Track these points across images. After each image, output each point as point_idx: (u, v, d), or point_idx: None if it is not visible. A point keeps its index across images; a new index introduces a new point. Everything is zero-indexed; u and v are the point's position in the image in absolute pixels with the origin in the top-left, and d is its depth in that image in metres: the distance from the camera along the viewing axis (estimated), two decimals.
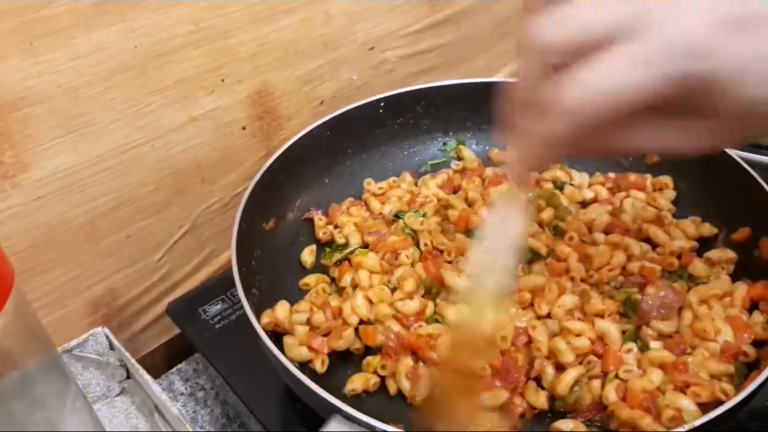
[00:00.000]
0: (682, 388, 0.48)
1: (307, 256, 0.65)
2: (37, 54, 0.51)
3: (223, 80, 0.64)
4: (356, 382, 0.53)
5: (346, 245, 0.64)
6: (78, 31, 0.53)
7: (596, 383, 0.51)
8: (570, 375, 0.50)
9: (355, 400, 0.53)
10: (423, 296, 0.57)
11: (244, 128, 0.69)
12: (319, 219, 0.67)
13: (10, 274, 0.42)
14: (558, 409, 0.51)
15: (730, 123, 0.34)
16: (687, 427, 0.40)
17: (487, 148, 0.75)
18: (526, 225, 0.43)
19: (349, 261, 0.62)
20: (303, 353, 0.54)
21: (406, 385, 0.52)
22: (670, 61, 0.30)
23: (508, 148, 0.38)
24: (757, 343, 0.52)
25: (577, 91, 0.32)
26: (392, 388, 0.53)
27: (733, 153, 0.62)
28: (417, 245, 0.62)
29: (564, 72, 0.32)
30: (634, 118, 0.34)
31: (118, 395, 0.65)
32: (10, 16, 0.49)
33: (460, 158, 0.74)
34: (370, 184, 0.70)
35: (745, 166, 0.60)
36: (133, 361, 0.62)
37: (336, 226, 0.66)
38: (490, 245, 0.42)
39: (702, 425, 0.40)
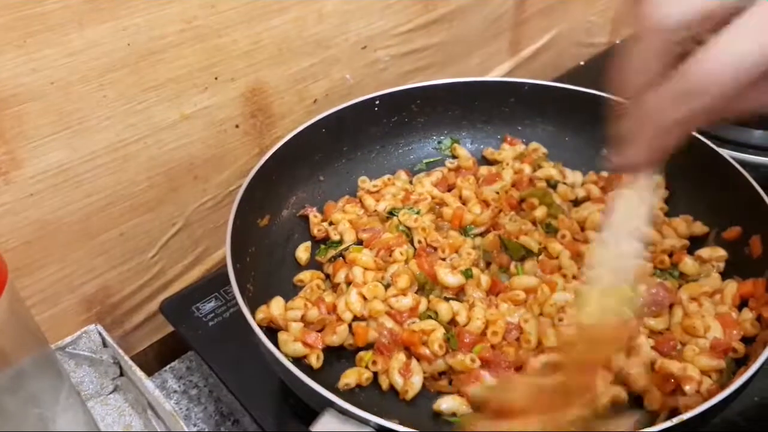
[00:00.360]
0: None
1: (302, 252, 0.65)
2: (30, 51, 0.51)
3: (216, 78, 0.64)
4: (349, 377, 0.53)
5: (340, 242, 0.64)
6: (71, 27, 0.53)
7: None
8: (547, 357, 0.51)
9: (349, 395, 0.53)
10: (416, 292, 0.58)
11: (237, 126, 0.69)
12: (314, 216, 0.67)
13: (3, 270, 0.42)
14: None
15: None
16: (675, 421, 0.40)
17: (482, 146, 0.76)
18: (652, 209, 0.42)
19: (344, 258, 0.62)
20: (297, 348, 0.54)
21: (398, 381, 0.53)
22: None
23: (630, 134, 0.38)
24: (746, 340, 0.53)
25: (707, 68, 0.33)
26: (384, 384, 0.53)
27: (725, 153, 0.62)
28: (411, 242, 0.62)
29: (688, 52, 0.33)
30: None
31: (111, 393, 0.65)
32: (4, 12, 0.49)
33: (454, 156, 0.75)
34: (365, 182, 0.71)
35: (737, 165, 0.61)
36: (126, 358, 0.61)
37: (331, 223, 0.67)
38: (617, 233, 0.41)
39: (689, 419, 0.41)
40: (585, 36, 1.06)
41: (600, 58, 1.02)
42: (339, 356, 0.57)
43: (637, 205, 0.41)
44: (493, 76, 0.92)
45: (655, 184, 0.42)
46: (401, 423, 0.43)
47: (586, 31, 1.05)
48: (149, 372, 0.64)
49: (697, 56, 0.33)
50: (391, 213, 0.65)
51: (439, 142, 0.76)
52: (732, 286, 0.56)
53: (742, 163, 0.61)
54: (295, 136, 0.65)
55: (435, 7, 0.80)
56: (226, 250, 0.54)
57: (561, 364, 0.45)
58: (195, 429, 0.63)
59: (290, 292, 0.61)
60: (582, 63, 1.00)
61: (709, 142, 0.63)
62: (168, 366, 0.69)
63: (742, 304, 0.56)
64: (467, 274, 0.58)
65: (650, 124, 0.36)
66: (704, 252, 0.60)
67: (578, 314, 0.44)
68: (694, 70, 0.34)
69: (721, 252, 0.59)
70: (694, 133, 0.63)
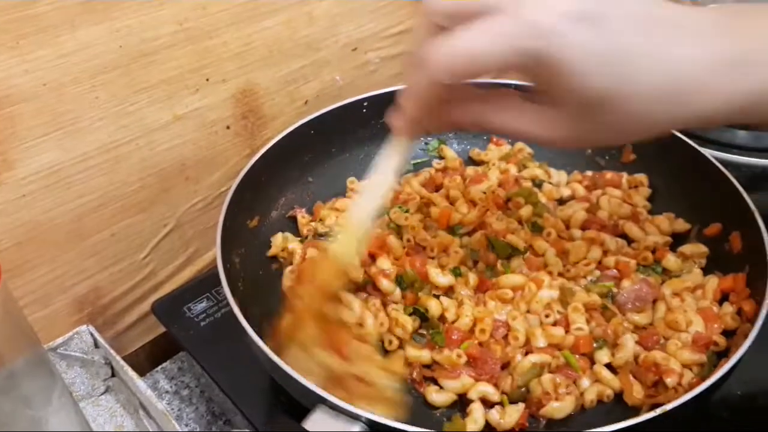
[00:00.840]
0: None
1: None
2: (23, 52, 0.52)
3: (207, 80, 0.65)
4: None
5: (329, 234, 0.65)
6: (64, 29, 0.53)
7: (547, 378, 0.52)
8: (534, 357, 0.52)
9: None
10: (404, 290, 0.58)
11: (228, 127, 0.69)
12: (302, 217, 0.68)
13: None
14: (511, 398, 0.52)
15: (578, 113, 0.36)
16: (659, 411, 0.41)
17: (468, 147, 0.77)
18: (396, 176, 0.47)
19: None
20: None
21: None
22: (521, 35, 0.34)
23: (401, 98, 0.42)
24: (727, 333, 0.54)
25: (443, 51, 0.36)
26: None
27: (707, 152, 0.64)
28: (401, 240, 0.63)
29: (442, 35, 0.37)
30: (493, 95, 0.39)
31: (102, 394, 0.65)
32: None
33: (441, 157, 0.76)
34: (354, 183, 0.71)
35: (717, 164, 0.62)
36: (118, 358, 0.62)
37: (320, 220, 0.67)
38: (368, 190, 0.47)
39: (671, 410, 0.42)
40: None
41: None
42: None
43: (390, 166, 0.46)
44: (481, 79, 0.93)
45: (404, 148, 0.46)
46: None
47: None
48: (141, 373, 0.64)
49: (442, 38, 0.37)
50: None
51: (426, 143, 0.77)
52: (713, 282, 0.57)
53: (726, 162, 0.63)
54: (284, 137, 0.66)
55: None
56: (217, 250, 0.55)
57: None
58: (187, 429, 0.64)
59: (279, 293, 0.62)
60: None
61: (690, 142, 0.64)
62: (159, 367, 0.69)
63: (723, 298, 0.57)
64: (456, 273, 0.59)
65: (406, 88, 0.41)
66: (686, 248, 0.61)
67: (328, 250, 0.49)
68: (431, 47, 0.37)
69: (703, 248, 0.61)
70: (677, 134, 0.65)
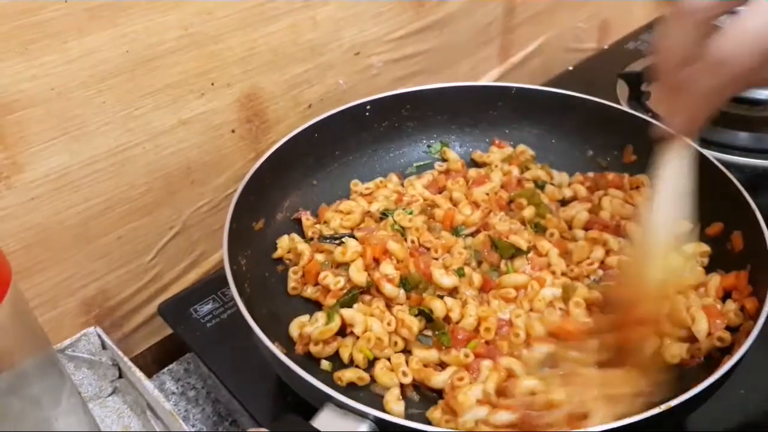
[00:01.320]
0: None
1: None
2: (31, 58, 0.52)
3: (212, 84, 0.66)
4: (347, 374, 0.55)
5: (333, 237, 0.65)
6: (71, 35, 0.54)
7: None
8: (540, 348, 0.53)
9: (346, 390, 0.54)
10: (409, 291, 0.59)
11: (233, 131, 0.70)
12: (307, 219, 0.68)
13: (6, 269, 0.43)
14: None
15: None
16: (663, 407, 0.42)
17: (470, 149, 0.77)
18: (693, 177, 0.46)
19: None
20: None
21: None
22: None
23: (665, 108, 0.43)
24: (731, 329, 0.54)
25: (733, 40, 0.37)
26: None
27: (709, 153, 0.64)
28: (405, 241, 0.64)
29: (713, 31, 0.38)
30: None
31: (110, 395, 0.66)
32: (5, 20, 0.50)
33: (444, 159, 0.76)
34: (357, 185, 0.72)
35: (718, 164, 0.62)
36: (125, 359, 0.62)
37: (325, 222, 0.68)
38: (663, 200, 0.46)
39: (677, 406, 0.42)
40: (573, 41, 1.08)
41: (588, 63, 1.04)
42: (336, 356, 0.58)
43: (681, 170, 0.45)
44: (484, 82, 0.94)
45: (694, 151, 0.46)
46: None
47: (574, 36, 1.07)
48: (147, 374, 0.64)
49: (723, 32, 0.38)
50: (384, 214, 0.66)
51: (429, 146, 0.77)
52: (715, 280, 0.57)
53: (728, 164, 0.63)
54: (288, 141, 0.67)
55: (426, 14, 0.81)
56: (224, 253, 0.55)
57: (619, 322, 0.48)
58: (194, 430, 0.64)
59: (284, 294, 0.62)
60: (570, 68, 1.02)
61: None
62: (166, 368, 0.70)
63: (726, 296, 0.57)
64: (460, 273, 0.60)
65: (688, 95, 0.41)
66: (688, 248, 0.61)
67: (641, 273, 0.47)
68: (720, 44, 0.38)
69: (705, 247, 0.61)
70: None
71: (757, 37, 0.38)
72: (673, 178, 0.46)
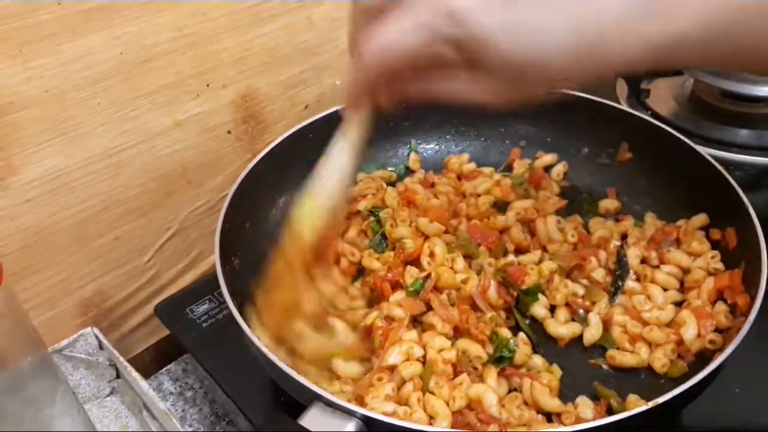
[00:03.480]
0: None
1: None
2: (25, 60, 0.53)
3: (207, 85, 0.66)
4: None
5: None
6: (65, 37, 0.54)
7: None
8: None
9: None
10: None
11: (229, 132, 0.70)
12: None
13: None
14: None
15: (509, 79, 0.40)
16: (650, 404, 0.42)
17: (465, 150, 0.77)
18: (353, 152, 0.49)
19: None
20: None
21: None
22: (438, 23, 0.37)
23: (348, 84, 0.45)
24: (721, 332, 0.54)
25: (371, 45, 0.40)
26: None
27: (707, 150, 0.64)
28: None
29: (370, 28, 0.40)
30: (431, 70, 0.41)
31: (108, 396, 0.66)
32: None
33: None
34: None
35: (711, 159, 0.62)
36: (122, 359, 0.63)
37: None
38: (328, 167, 0.50)
39: (666, 402, 0.42)
40: None
41: None
42: None
43: (342, 148, 0.49)
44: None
45: (357, 124, 0.48)
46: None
47: None
48: (145, 375, 0.65)
49: (370, 31, 0.40)
50: (372, 212, 0.67)
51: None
52: (709, 282, 0.57)
53: (728, 161, 0.63)
54: (282, 141, 0.67)
55: None
56: (215, 253, 0.56)
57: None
58: (191, 429, 0.64)
59: None
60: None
61: (685, 139, 0.65)
62: (164, 369, 0.70)
63: (719, 297, 0.57)
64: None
65: (351, 79, 0.44)
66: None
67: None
68: (363, 47, 0.40)
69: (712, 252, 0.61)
70: (674, 132, 0.65)
71: (395, 47, 0.39)
72: (334, 155, 0.49)
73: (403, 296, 0.57)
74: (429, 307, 0.57)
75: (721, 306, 0.55)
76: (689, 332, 0.53)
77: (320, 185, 0.50)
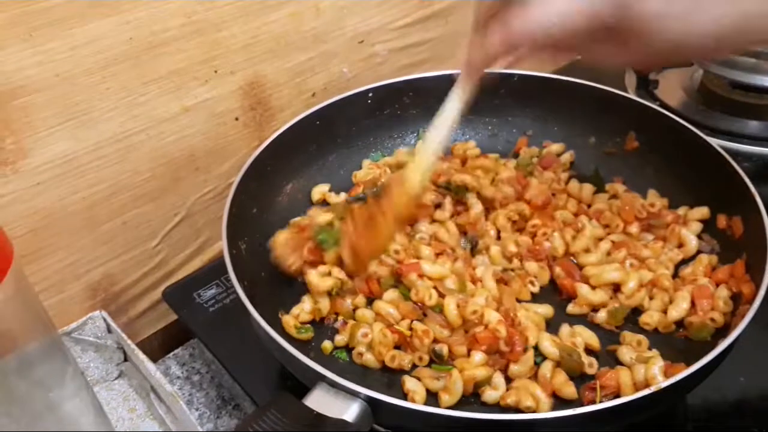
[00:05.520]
0: None
1: None
2: (36, 44, 0.53)
3: (215, 71, 0.66)
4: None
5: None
6: (75, 22, 0.55)
7: None
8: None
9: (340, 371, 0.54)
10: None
11: (237, 119, 0.71)
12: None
13: (8, 248, 0.44)
14: None
15: (663, 53, 0.44)
16: (653, 389, 0.42)
17: (473, 138, 0.77)
18: (460, 110, 0.53)
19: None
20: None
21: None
22: (601, 9, 0.41)
23: (469, 47, 0.49)
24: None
25: (523, 24, 0.43)
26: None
27: (717, 141, 0.64)
28: None
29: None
30: (589, 40, 0.43)
31: (116, 378, 0.67)
32: (10, 6, 0.51)
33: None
34: (356, 176, 0.73)
35: (718, 148, 0.62)
36: (129, 342, 0.63)
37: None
38: (437, 124, 0.54)
39: (669, 386, 0.42)
40: None
41: None
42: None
43: (454, 104, 0.53)
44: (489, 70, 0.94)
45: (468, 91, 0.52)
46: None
47: None
48: (153, 359, 0.65)
49: (519, 10, 0.43)
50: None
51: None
52: (703, 259, 0.58)
53: (738, 152, 0.63)
54: (290, 128, 0.67)
55: (431, 2, 0.81)
56: (222, 238, 0.56)
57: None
58: (198, 413, 0.65)
59: (286, 277, 0.63)
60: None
61: (693, 128, 0.65)
62: (171, 353, 0.71)
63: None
64: None
65: (484, 48, 0.48)
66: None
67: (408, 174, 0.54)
68: (513, 21, 0.44)
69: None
70: (684, 123, 0.65)
71: (545, 22, 0.42)
72: (447, 110, 0.53)
73: None
74: None
75: (723, 290, 0.55)
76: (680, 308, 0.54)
77: (433, 141, 0.53)
